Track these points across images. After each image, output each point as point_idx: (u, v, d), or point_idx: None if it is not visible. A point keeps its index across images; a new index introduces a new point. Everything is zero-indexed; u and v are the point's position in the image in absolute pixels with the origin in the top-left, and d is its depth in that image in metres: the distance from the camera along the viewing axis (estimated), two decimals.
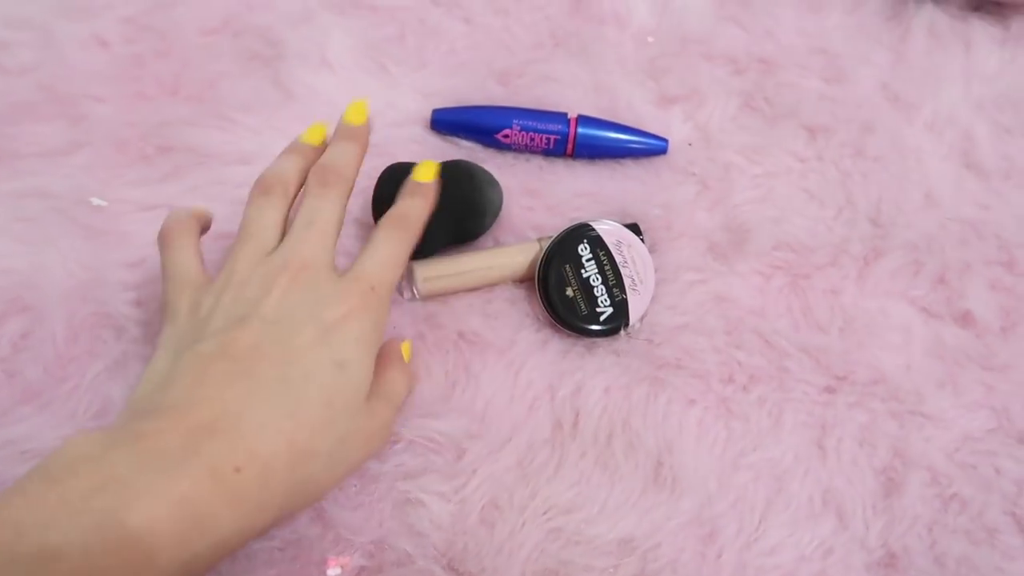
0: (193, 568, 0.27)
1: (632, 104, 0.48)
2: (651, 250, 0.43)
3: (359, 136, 0.38)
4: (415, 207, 0.37)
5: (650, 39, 0.51)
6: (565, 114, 0.47)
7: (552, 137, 0.46)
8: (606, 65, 0.49)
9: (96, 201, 0.44)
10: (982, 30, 0.51)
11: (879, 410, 0.40)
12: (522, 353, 0.41)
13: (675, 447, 0.39)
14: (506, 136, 0.46)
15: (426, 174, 0.39)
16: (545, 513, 0.37)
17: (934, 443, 0.39)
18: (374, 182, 0.42)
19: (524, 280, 0.43)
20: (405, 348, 0.39)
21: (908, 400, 0.40)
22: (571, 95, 0.49)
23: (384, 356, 0.37)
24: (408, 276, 0.42)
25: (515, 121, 0.46)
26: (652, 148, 0.47)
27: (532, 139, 0.46)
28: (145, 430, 0.28)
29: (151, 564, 0.26)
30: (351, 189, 0.37)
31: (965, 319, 0.43)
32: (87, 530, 0.25)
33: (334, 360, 0.32)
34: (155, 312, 0.41)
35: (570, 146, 0.46)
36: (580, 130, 0.46)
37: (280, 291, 0.33)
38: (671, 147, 0.47)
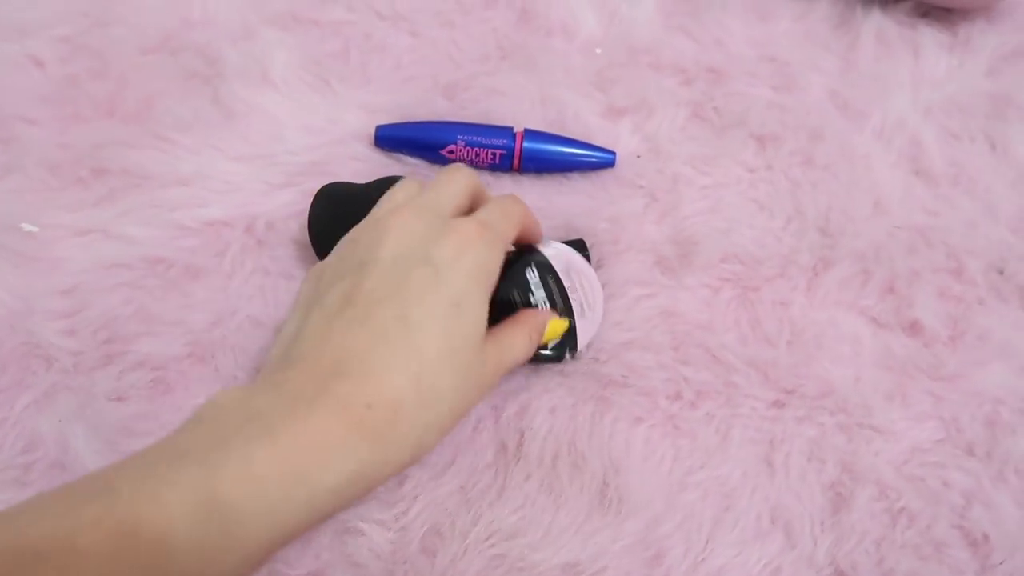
0: (328, 502, 0.28)
1: (580, 116, 0.48)
2: (598, 265, 0.43)
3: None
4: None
5: (598, 50, 0.50)
6: (511, 128, 0.46)
7: (498, 152, 0.45)
8: (553, 77, 0.49)
9: (27, 227, 0.42)
10: (930, 36, 0.51)
11: (828, 424, 0.40)
12: None
13: (621, 467, 0.38)
14: (451, 152, 0.45)
15: None
16: (488, 539, 0.36)
17: (882, 456, 0.39)
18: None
19: None
20: (554, 325, 0.38)
21: (857, 413, 0.40)
22: (518, 108, 0.48)
23: (518, 317, 0.37)
24: None
25: (460, 136, 0.45)
26: (600, 161, 0.46)
27: (477, 154, 0.45)
28: (279, 380, 0.30)
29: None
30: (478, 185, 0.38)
31: (914, 328, 0.42)
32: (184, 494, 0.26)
33: (451, 299, 0.32)
34: (87, 342, 0.40)
35: (516, 161, 0.45)
36: (526, 144, 0.45)
37: (396, 232, 0.34)
38: (619, 159, 0.46)
